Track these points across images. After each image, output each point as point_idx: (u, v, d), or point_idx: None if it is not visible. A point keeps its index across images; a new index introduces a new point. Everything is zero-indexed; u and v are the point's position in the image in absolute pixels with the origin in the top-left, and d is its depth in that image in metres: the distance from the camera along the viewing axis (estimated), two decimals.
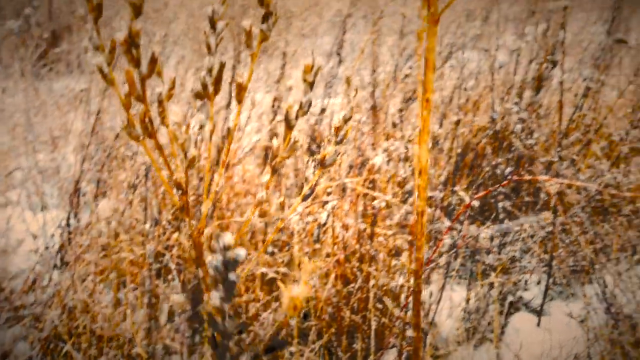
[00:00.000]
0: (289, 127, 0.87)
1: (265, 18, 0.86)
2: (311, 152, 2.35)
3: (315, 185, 0.92)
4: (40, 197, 2.68)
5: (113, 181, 2.18)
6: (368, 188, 2.02)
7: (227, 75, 2.35)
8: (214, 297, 0.49)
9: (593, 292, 2.16)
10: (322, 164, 0.89)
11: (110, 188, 2.18)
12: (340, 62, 2.46)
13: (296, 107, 0.89)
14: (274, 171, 0.88)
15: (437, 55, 2.29)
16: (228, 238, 0.49)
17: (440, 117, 2.28)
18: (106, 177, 2.16)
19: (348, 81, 2.07)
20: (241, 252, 0.50)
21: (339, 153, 0.90)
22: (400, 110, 2.13)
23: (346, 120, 0.90)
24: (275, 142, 0.90)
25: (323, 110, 2.33)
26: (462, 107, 2.34)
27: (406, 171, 1.95)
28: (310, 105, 0.87)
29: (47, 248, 2.02)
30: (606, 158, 2.25)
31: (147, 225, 2.07)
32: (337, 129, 0.88)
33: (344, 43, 2.47)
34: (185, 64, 2.45)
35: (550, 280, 2.17)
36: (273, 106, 2.24)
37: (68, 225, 2.11)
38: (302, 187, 2.33)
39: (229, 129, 0.87)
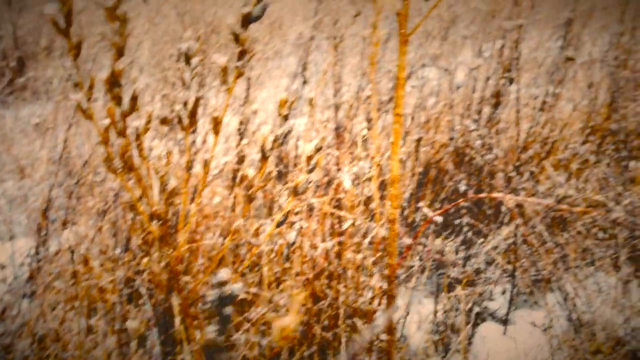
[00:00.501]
0: (264, 157, 0.90)
1: (241, 55, 0.90)
2: (278, 173, 2.39)
3: (289, 212, 0.96)
4: (8, 227, 2.66)
5: (82, 208, 2.17)
6: (334, 207, 2.07)
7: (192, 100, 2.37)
8: (209, 331, 0.52)
9: (555, 301, 2.24)
10: (295, 192, 0.92)
11: (79, 215, 2.18)
12: (304, 82, 2.51)
13: (271, 138, 0.92)
14: (250, 200, 0.91)
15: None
16: (224, 274, 0.52)
17: (403, 135, 2.35)
18: (75, 204, 2.16)
19: (311, 103, 2.12)
20: (237, 287, 0.53)
21: (311, 181, 0.94)
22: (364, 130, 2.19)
23: (318, 149, 0.93)
24: (250, 172, 0.93)
25: (289, 132, 2.38)
26: (423, 125, 2.41)
27: (370, 190, 2.00)
28: (285, 136, 0.91)
29: (16, 278, 2.01)
30: (564, 169, 2.34)
31: (117, 251, 2.08)
32: (309, 158, 0.92)
33: (309, 64, 2.52)
34: (151, 91, 2.47)
35: (515, 290, 2.24)
36: (239, 129, 2.28)
37: (37, 253, 2.10)
38: (270, 208, 2.36)
39: (205, 161, 0.89)
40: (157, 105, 2.34)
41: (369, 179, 2.06)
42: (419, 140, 2.26)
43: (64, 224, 2.11)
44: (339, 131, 2.18)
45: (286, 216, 0.96)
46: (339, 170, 2.09)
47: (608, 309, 2.00)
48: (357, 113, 2.26)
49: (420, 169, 2.31)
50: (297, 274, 2.03)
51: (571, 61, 2.20)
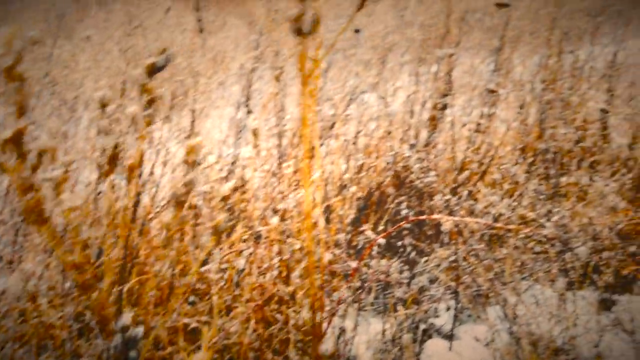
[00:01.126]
0: (179, 204, 0.96)
1: (149, 104, 0.95)
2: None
3: (211, 252, 1.01)
4: None
5: (29, 245, 2.19)
6: (281, 234, 2.12)
7: (135, 128, 2.40)
8: None
9: (496, 315, 2.32)
10: (216, 232, 0.98)
11: (27, 252, 2.19)
12: (249, 112, 2.57)
13: (183, 188, 0.97)
14: (167, 244, 0.96)
15: (340, 102, 2.44)
16: (126, 318, 0.57)
17: (346, 161, 2.42)
18: (22, 241, 2.17)
19: (255, 133, 2.18)
20: (139, 330, 0.58)
21: (231, 220, 0.99)
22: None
23: (234, 189, 0.99)
24: (167, 216, 0.98)
25: (234, 162, 2.44)
26: (364, 151, 2.49)
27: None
28: (194, 184, 0.96)
29: None
30: (499, 188, 2.44)
31: (66, 286, 2.09)
32: (226, 198, 0.97)
33: (253, 93, 2.58)
34: (95, 127, 2.49)
35: (458, 306, 2.31)
36: (186, 160, 2.32)
37: None
38: (219, 234, 2.40)
39: (126, 207, 0.94)
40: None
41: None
42: (360, 166, 2.33)
43: (10, 262, 2.12)
44: (282, 159, 2.24)
45: (208, 256, 1.02)
46: (283, 198, 2.15)
47: (546, 320, 2.08)
48: (300, 141, 2.33)
49: (362, 194, 2.39)
50: (248, 300, 2.06)
51: (494, 93, 2.31)
